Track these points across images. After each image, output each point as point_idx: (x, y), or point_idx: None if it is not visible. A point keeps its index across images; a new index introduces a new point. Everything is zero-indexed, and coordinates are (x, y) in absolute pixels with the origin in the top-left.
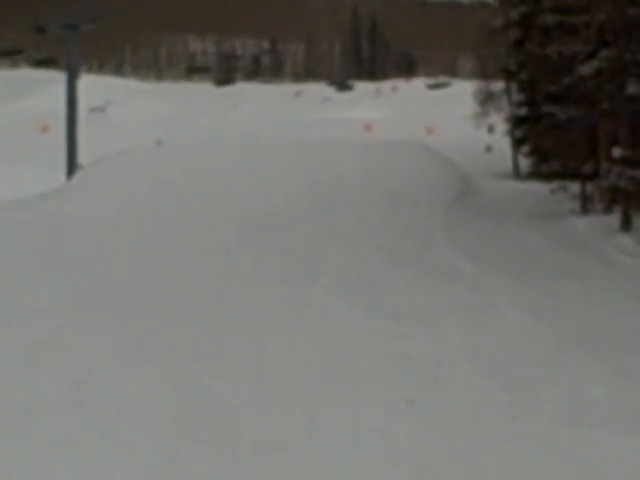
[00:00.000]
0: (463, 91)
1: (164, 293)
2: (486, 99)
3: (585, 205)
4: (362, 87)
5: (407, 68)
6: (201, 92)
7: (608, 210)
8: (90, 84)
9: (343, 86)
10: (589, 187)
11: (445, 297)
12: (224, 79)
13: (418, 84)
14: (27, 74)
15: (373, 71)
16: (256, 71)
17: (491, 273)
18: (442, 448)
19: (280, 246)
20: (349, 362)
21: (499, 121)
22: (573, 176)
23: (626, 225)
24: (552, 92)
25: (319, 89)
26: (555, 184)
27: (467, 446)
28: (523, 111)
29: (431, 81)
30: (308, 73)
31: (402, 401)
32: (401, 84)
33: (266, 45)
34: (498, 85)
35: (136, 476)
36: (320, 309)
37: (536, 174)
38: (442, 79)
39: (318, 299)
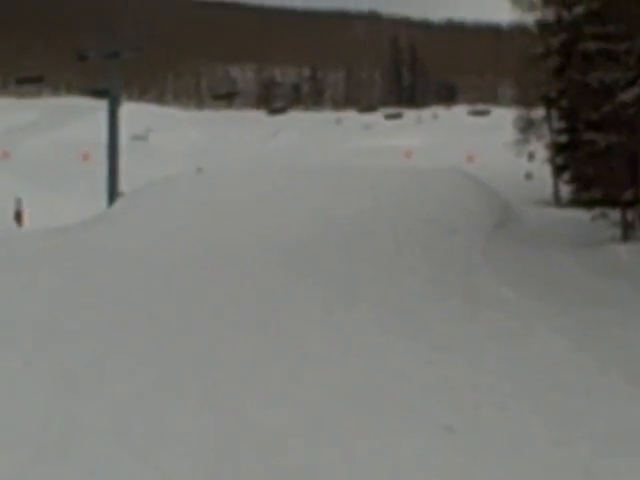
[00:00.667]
0: (503, 118)
1: (201, 320)
2: (526, 126)
3: (626, 232)
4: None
5: (447, 96)
6: (244, 120)
7: None
8: (132, 112)
9: (392, 115)
10: (630, 214)
11: (484, 324)
12: (277, 108)
13: (459, 111)
14: (69, 102)
15: (413, 99)
16: (297, 99)
17: (531, 300)
18: (483, 476)
19: (319, 273)
20: (387, 389)
21: (539, 148)
22: (614, 203)
23: None
24: (593, 119)
25: (361, 117)
26: (596, 211)
27: (507, 475)
28: (564, 138)
29: (469, 109)
30: (348, 101)
31: (441, 428)
32: (441, 111)
33: (307, 73)
34: (539, 112)
35: None
36: (359, 336)
37: (577, 201)
38: (480, 107)
39: (357, 326)
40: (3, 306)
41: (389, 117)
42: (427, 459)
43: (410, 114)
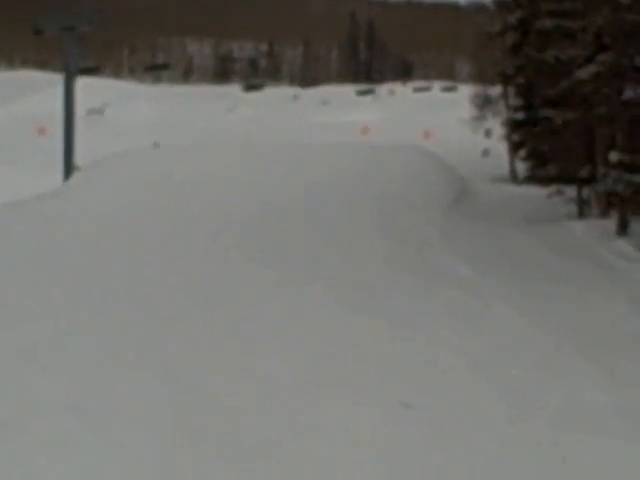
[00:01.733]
0: (461, 95)
1: (161, 295)
2: (483, 103)
3: (582, 209)
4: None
5: (404, 72)
6: (201, 95)
7: (605, 214)
8: (87, 86)
9: (364, 91)
10: (586, 191)
11: (442, 301)
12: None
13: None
14: (24, 75)
15: (370, 75)
16: (253, 74)
17: (488, 277)
18: (438, 451)
19: (276, 249)
20: (345, 365)
21: (496, 125)
22: (570, 180)
23: (622, 229)
24: (549, 96)
25: (319, 93)
26: (552, 188)
27: (463, 450)
28: (520, 115)
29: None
30: (306, 76)
31: (398, 404)
32: (398, 88)
33: (264, 48)
34: (495, 90)
35: (134, 477)
36: (316, 312)
37: (533, 178)
38: (448, 84)
39: (314, 302)
40: None
41: (361, 93)
42: (383, 434)
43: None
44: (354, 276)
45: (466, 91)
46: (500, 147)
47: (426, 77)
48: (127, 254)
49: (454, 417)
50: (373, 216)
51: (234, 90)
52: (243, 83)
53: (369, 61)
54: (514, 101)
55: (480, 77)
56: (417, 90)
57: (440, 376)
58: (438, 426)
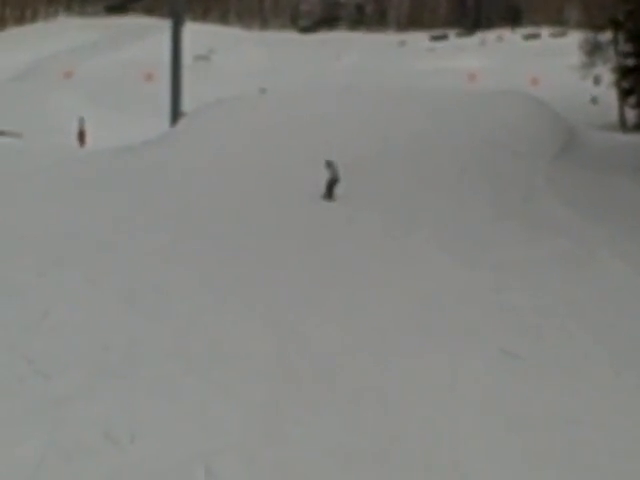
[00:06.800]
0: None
1: (264, 242)
2: (593, 49)
3: None
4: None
5: (512, 17)
6: (308, 41)
7: None
8: (194, 32)
9: (532, 34)
10: None
11: (546, 249)
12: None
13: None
14: (132, 22)
15: (479, 20)
16: (359, 20)
17: (593, 225)
18: (539, 399)
19: (380, 194)
20: (448, 312)
21: (606, 72)
22: None
23: None
24: None
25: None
26: None
27: (565, 398)
28: (631, 62)
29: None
30: (412, 22)
31: (500, 351)
32: (506, 34)
33: None
34: (605, 35)
35: (237, 421)
36: (420, 260)
37: None
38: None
39: (418, 250)
40: (69, 223)
41: (528, 37)
42: (485, 380)
43: (474, 36)
44: (459, 224)
45: (576, 37)
46: (609, 94)
47: (535, 23)
48: (229, 202)
49: (557, 365)
50: (478, 163)
51: (347, 36)
52: (428, 34)
53: (477, 6)
54: (624, 47)
55: (589, 23)
56: (527, 37)
57: (543, 324)
58: (540, 374)
